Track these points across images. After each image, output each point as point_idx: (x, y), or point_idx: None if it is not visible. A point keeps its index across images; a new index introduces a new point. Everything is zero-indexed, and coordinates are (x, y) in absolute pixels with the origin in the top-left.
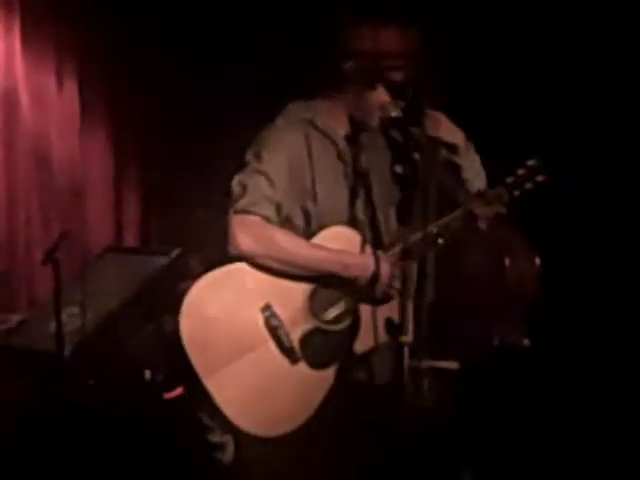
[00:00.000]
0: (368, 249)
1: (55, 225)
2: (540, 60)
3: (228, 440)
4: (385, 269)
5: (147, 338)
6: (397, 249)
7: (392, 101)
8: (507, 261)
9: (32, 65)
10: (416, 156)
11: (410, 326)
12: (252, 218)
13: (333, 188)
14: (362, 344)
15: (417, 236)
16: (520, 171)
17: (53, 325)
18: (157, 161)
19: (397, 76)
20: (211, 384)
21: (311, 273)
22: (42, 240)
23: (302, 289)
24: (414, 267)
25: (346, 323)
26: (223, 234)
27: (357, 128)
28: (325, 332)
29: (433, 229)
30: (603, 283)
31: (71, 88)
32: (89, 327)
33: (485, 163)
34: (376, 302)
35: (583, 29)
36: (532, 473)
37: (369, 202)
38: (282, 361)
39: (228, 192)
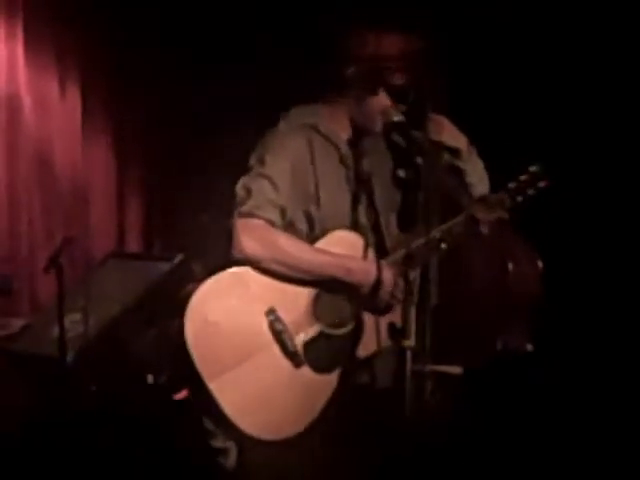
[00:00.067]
0: (371, 255)
1: (58, 230)
2: (543, 65)
3: (231, 446)
4: (388, 277)
5: (150, 343)
6: (400, 254)
7: (394, 105)
8: (510, 266)
9: (35, 71)
10: (419, 160)
11: (413, 330)
12: (256, 221)
13: (336, 192)
14: (365, 348)
15: (420, 241)
16: (522, 177)
17: (56, 330)
18: (159, 167)
19: (399, 80)
20: (215, 387)
21: (314, 277)
22: (45, 245)
23: (306, 293)
24: (417, 271)
25: (349, 327)
26: (226, 239)
27: (359, 132)
28: (328, 336)
29: (436, 234)
30: (605, 287)
31: (73, 94)
32: (92, 332)
33: (487, 168)
34: (378, 312)
35: (587, 34)
36: (535, 477)
37: (372, 206)
38: (286, 365)
39: (232, 195)
